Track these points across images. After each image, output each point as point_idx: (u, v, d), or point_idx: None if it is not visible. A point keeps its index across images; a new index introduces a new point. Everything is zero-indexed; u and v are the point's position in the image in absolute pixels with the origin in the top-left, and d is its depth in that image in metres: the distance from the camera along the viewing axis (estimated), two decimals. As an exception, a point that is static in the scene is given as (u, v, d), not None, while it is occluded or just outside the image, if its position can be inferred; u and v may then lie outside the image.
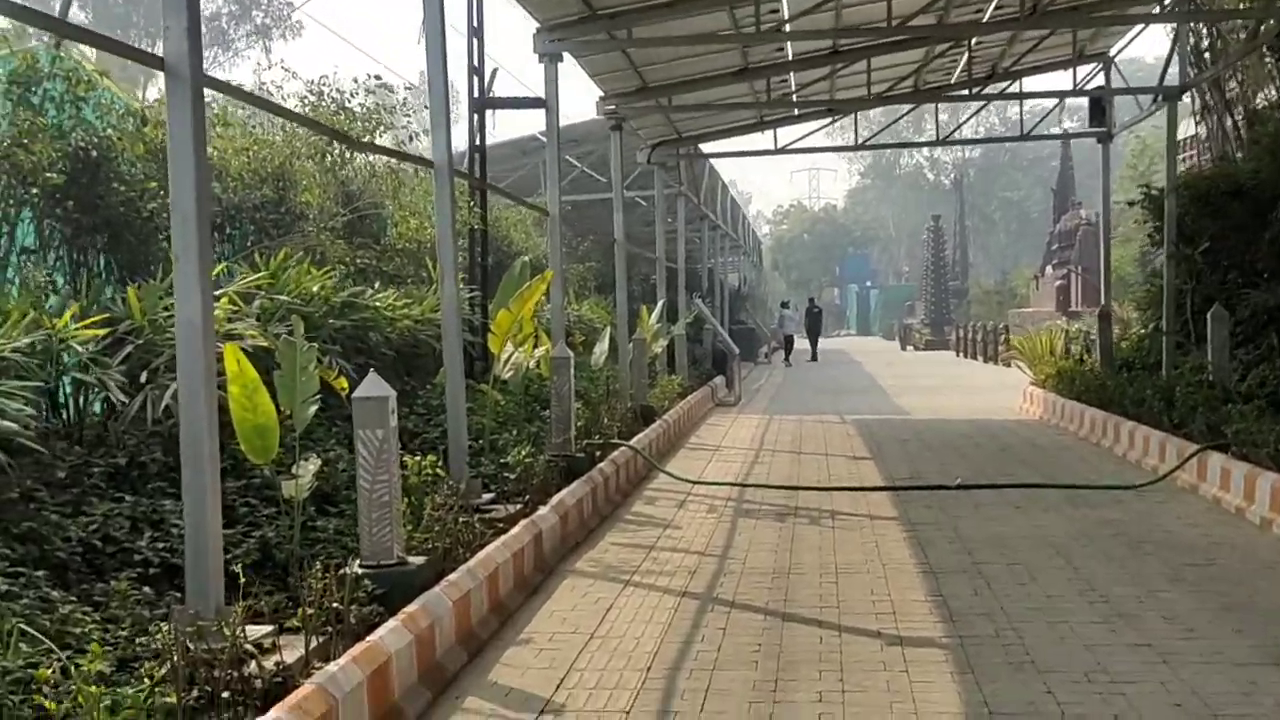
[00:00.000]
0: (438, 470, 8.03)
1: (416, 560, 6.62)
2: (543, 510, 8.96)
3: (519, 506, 8.98)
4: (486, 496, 9.15)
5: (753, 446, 16.26)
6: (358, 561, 6.44)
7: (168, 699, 4.52)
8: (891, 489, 11.97)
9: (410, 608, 6.02)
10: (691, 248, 32.03)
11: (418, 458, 7.98)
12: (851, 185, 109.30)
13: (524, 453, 9.74)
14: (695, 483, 12.58)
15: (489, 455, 10.17)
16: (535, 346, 11.68)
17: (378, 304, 11.34)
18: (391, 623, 5.78)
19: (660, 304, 20.49)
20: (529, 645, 6.68)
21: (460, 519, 7.49)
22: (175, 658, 4.60)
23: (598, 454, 11.77)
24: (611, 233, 18.15)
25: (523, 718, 5.52)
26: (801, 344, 43.24)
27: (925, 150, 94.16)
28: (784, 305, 48.98)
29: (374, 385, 6.56)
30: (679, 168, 25.02)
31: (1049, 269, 45.74)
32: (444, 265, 9.33)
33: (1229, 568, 8.24)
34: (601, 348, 15.24)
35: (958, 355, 43.38)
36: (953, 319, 55.78)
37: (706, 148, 25.67)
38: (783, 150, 23.44)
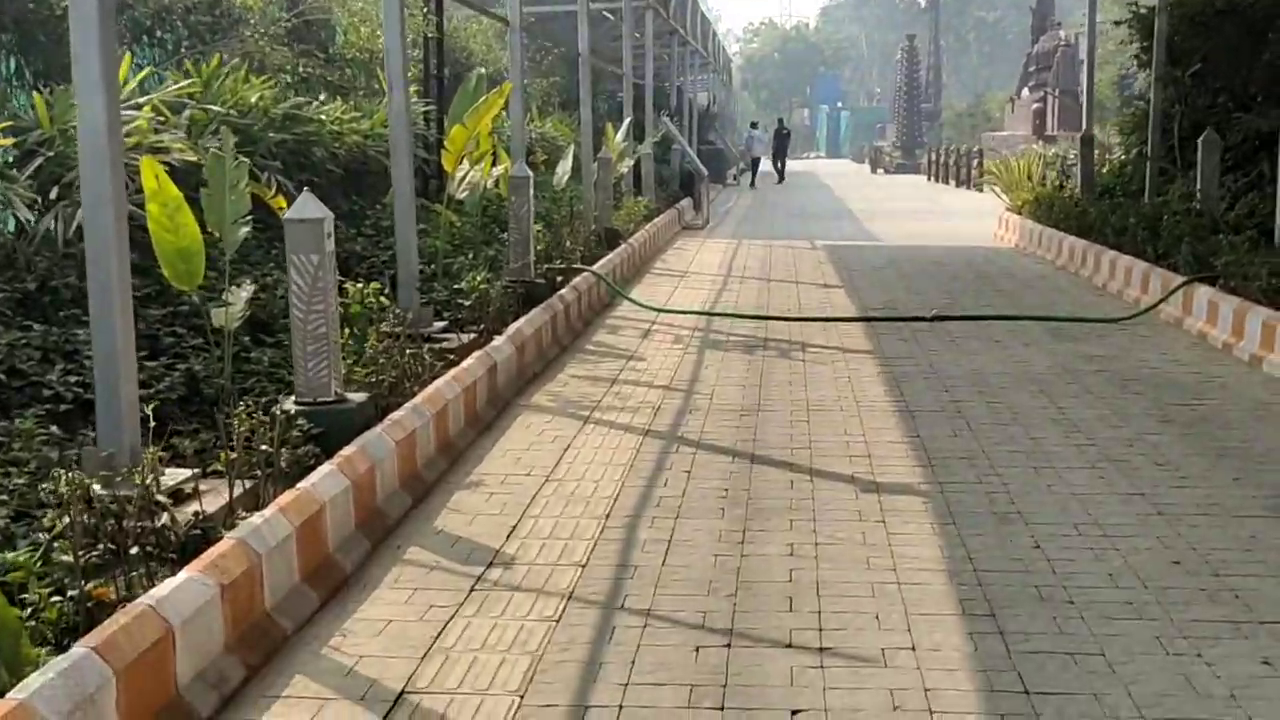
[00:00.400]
0: (382, 298, 7.45)
1: (357, 397, 6.10)
2: (498, 340, 8.42)
3: (473, 336, 8.44)
4: (438, 325, 8.60)
5: (720, 272, 15.72)
6: (292, 398, 5.93)
7: (66, 557, 4.02)
8: (865, 320, 11.50)
9: (348, 450, 5.51)
10: (660, 65, 30.91)
11: (360, 285, 7.40)
12: (825, 2, 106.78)
13: (479, 278, 9.12)
14: (661, 311, 12.06)
15: (442, 280, 9.58)
16: (493, 165, 11.02)
17: (323, 117, 10.63)
18: (326, 467, 5.28)
19: (626, 122, 19.62)
20: (479, 489, 6.21)
21: (408, 350, 6.96)
22: (72, 511, 4.08)
23: (558, 279, 11.19)
24: (576, 46, 17.23)
25: (469, 570, 5.04)
26: (768, 166, 42.50)
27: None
28: (753, 126, 48.11)
29: (308, 206, 5.94)
30: (648, -22, 23.87)
31: (1025, 91, 44.73)
32: (392, 74, 8.62)
33: (1220, 408, 7.84)
34: (564, 167, 14.57)
35: (929, 179, 42.82)
36: (924, 143, 55.05)
37: (677, -43, 24.47)
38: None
